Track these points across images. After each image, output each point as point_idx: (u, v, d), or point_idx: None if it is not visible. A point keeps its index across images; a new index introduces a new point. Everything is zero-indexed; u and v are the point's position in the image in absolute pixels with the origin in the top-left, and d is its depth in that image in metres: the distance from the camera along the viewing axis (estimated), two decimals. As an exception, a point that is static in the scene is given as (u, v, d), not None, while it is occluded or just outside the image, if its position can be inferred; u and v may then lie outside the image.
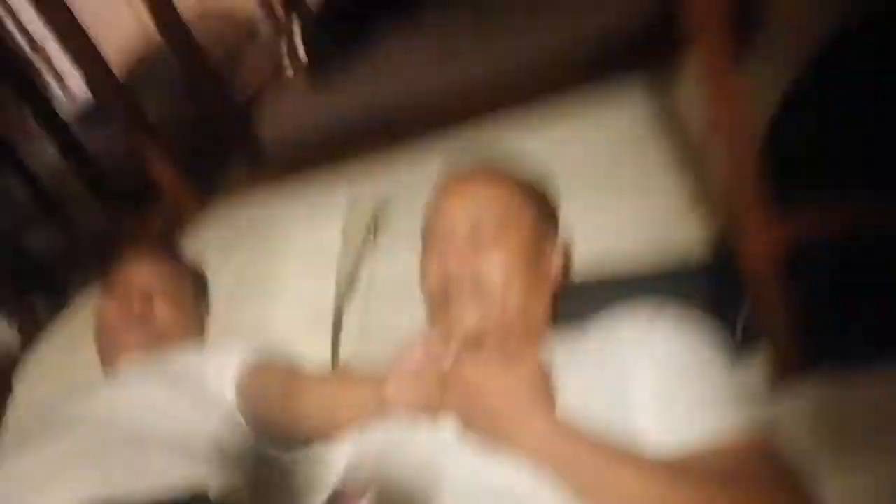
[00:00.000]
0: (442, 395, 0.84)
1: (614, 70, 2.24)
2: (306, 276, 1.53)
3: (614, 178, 1.49)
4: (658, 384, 0.81)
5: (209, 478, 1.07)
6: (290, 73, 3.30)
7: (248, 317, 1.51)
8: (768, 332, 0.97)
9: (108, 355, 1.40)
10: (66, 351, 1.63)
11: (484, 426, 0.80)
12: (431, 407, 0.86)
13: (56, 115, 2.57)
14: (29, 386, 1.63)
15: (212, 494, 1.04)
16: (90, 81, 2.23)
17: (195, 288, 1.56)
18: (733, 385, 0.82)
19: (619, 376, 0.84)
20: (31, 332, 2.36)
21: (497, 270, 0.95)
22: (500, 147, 1.26)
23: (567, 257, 1.09)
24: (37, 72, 3.72)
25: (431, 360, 0.86)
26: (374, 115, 2.66)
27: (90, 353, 1.47)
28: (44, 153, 3.23)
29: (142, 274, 1.46)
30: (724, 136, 0.87)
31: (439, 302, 0.98)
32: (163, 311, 1.43)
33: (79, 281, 2.87)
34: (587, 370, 0.88)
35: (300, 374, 1.24)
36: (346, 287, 1.56)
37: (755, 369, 1.03)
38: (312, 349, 1.42)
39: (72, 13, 2.01)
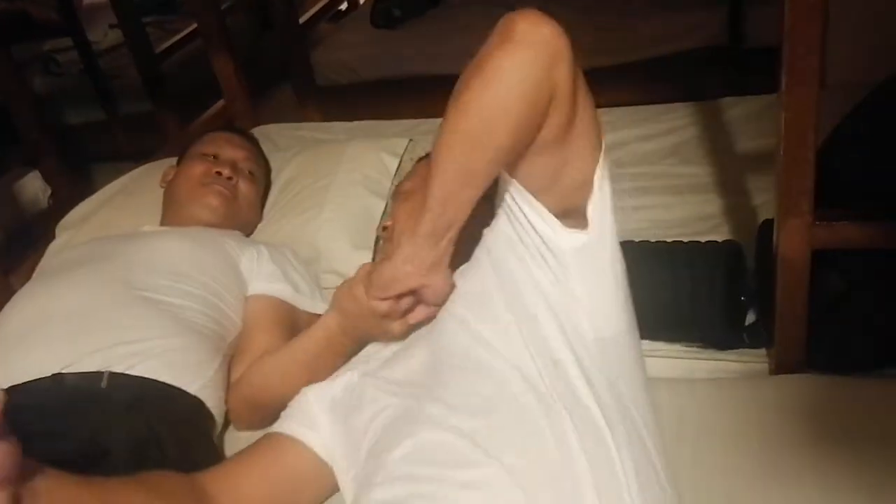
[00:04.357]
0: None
1: (675, 83, 2.35)
2: (359, 188, 1.60)
3: (673, 176, 1.65)
4: None
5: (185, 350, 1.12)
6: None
7: (293, 222, 1.57)
8: (783, 323, 1.08)
9: (180, 211, 1.43)
10: (116, 208, 1.69)
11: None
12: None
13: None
14: (73, 233, 1.69)
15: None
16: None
17: (266, 181, 1.62)
18: None
19: None
20: (61, 190, 2.45)
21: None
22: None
23: None
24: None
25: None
26: (434, 69, 2.74)
27: (142, 214, 1.56)
28: (105, 37, 3.29)
29: (235, 148, 1.50)
30: (792, 147, 0.97)
31: None
32: (245, 189, 1.47)
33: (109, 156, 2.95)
34: None
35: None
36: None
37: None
38: (350, 262, 1.49)
39: None
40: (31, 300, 1.21)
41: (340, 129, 2.20)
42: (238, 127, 1.75)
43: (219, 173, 1.43)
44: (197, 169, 1.44)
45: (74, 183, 2.45)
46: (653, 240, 1.35)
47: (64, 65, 3.13)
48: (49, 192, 2.46)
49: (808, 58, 0.91)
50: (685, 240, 1.28)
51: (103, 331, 1.10)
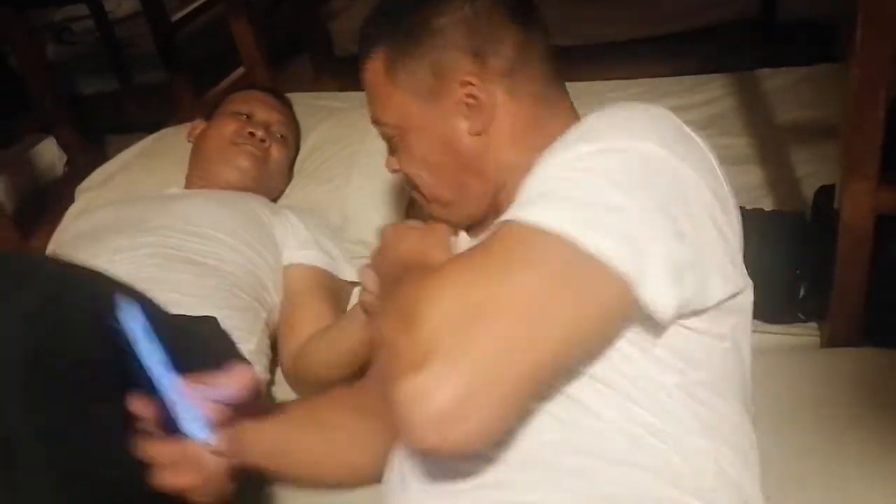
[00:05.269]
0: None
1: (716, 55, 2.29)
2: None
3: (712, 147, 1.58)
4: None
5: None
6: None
7: (320, 189, 1.53)
8: (841, 293, 1.03)
9: (208, 172, 1.38)
10: (137, 171, 1.65)
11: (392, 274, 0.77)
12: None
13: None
14: (94, 195, 1.66)
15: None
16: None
17: (296, 146, 1.57)
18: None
19: None
20: (77, 157, 2.41)
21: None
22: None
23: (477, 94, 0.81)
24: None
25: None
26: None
27: (163, 176, 1.52)
28: (119, 6, 3.24)
29: (270, 109, 1.45)
30: (861, 105, 0.92)
31: None
32: (276, 153, 1.42)
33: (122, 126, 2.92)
34: None
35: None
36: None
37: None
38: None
39: None
40: None
41: (359, 98, 2.14)
42: (271, 87, 1.69)
43: (252, 134, 1.38)
44: (229, 127, 1.39)
45: (90, 151, 2.40)
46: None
47: (78, 34, 3.09)
48: (65, 159, 2.41)
49: (882, 11, 0.86)
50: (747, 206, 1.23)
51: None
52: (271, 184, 1.44)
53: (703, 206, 0.65)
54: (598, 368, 0.63)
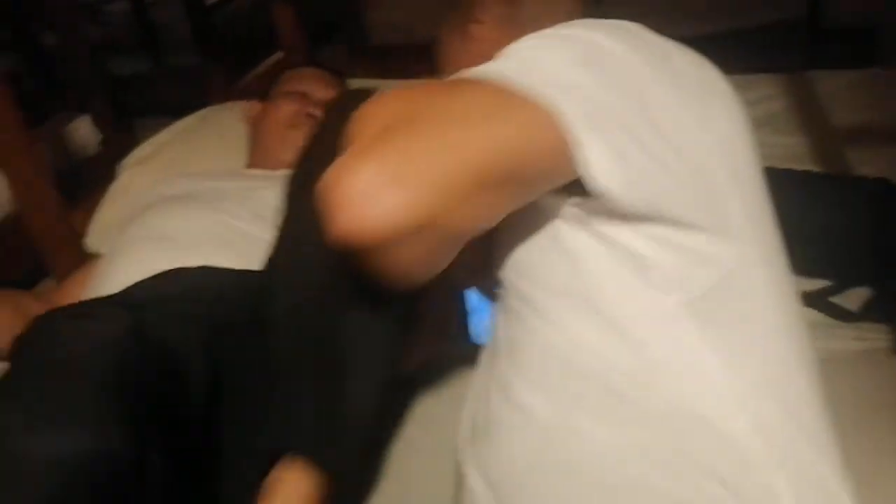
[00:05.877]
0: None
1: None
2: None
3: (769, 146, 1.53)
4: None
5: None
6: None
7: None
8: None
9: (268, 155, 1.35)
10: (185, 148, 1.63)
11: None
12: None
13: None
14: (138, 171, 1.65)
15: None
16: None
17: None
18: None
19: None
20: (113, 136, 2.39)
21: None
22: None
23: None
24: None
25: None
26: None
27: (212, 152, 1.50)
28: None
29: (327, 87, 1.42)
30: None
31: None
32: None
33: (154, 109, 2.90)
34: None
35: None
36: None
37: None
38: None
39: None
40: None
41: (394, 86, 2.13)
42: (326, 63, 1.66)
43: (309, 115, 1.34)
44: (285, 109, 1.36)
45: (127, 130, 2.39)
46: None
47: (112, 15, 3.09)
48: (100, 137, 2.39)
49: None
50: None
51: None
52: None
53: (667, 121, 0.64)
54: (595, 295, 0.61)
